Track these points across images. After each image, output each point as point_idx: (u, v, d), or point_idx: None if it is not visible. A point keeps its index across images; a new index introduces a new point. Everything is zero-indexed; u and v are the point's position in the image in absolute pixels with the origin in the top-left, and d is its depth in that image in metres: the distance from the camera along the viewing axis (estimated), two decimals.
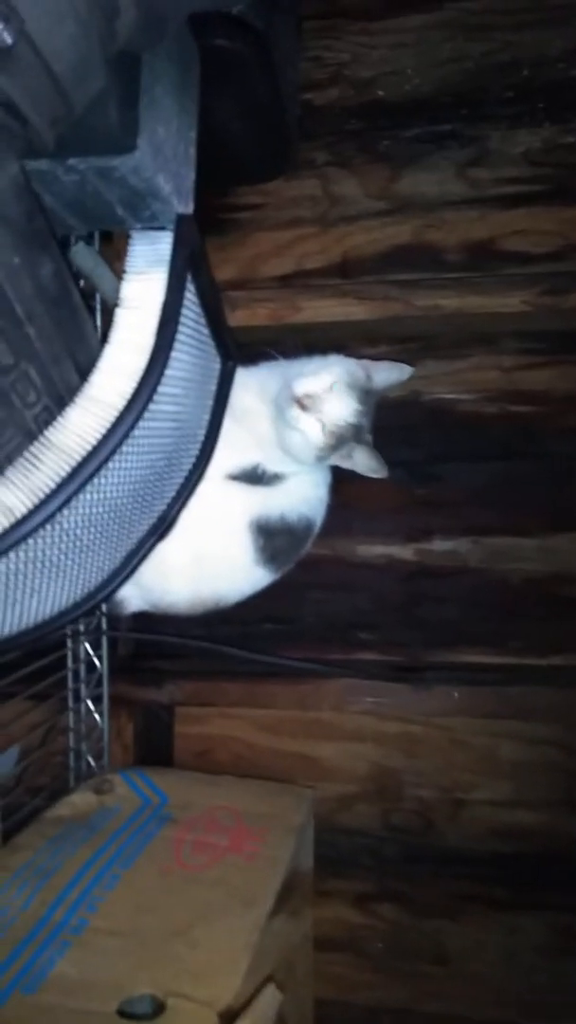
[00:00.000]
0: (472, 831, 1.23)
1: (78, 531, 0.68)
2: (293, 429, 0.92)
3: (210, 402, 0.87)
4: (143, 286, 0.68)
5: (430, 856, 1.24)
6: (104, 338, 0.68)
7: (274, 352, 0.99)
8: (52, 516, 0.62)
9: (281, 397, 0.94)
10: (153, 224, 0.70)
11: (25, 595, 0.71)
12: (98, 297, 1.08)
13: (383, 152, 1.18)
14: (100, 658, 1.26)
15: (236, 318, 1.14)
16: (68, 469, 0.62)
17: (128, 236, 0.71)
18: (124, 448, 0.65)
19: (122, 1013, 0.76)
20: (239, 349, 0.91)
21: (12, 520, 0.60)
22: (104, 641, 1.26)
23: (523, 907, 1.21)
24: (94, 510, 0.68)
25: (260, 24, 0.78)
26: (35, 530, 0.61)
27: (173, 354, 0.69)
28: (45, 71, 0.43)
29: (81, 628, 1.23)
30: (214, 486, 0.94)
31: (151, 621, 1.12)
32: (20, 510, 0.61)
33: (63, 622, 0.79)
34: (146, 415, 0.66)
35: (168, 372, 0.68)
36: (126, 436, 0.64)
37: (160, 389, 0.67)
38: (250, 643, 1.25)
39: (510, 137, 1.15)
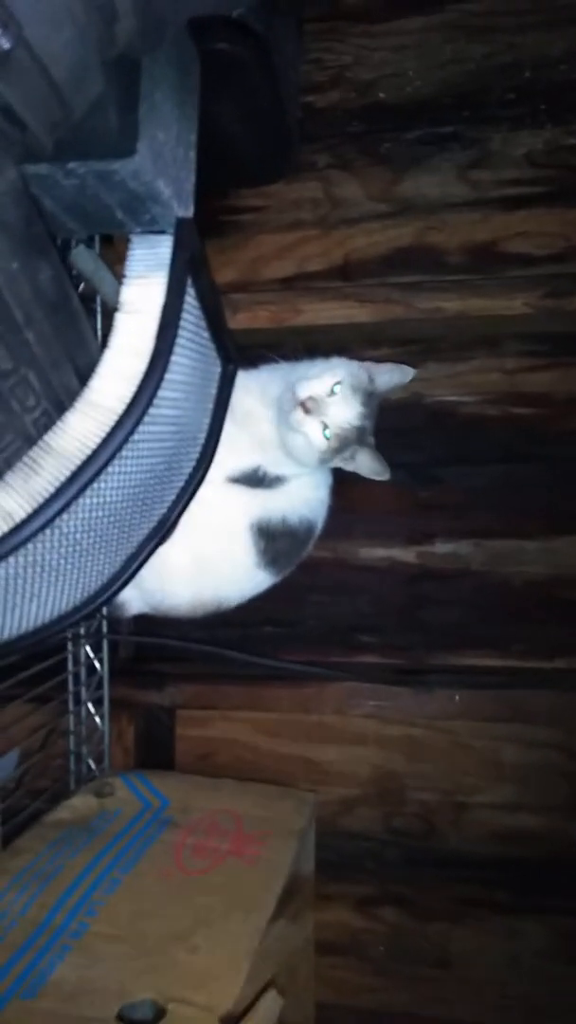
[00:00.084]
0: (474, 835, 1.22)
1: (78, 535, 0.68)
2: (296, 432, 0.92)
3: (211, 405, 0.86)
4: (143, 290, 0.68)
5: (432, 860, 1.24)
6: (104, 341, 0.68)
7: (274, 355, 0.99)
8: (51, 521, 0.61)
9: (284, 400, 0.94)
10: (153, 228, 0.70)
11: (25, 599, 0.71)
12: (98, 300, 1.08)
13: (384, 154, 1.18)
14: (101, 661, 1.26)
15: (237, 320, 1.14)
16: (67, 474, 0.62)
17: (128, 240, 0.71)
18: (124, 452, 0.65)
19: (122, 1018, 0.76)
20: (240, 352, 0.90)
21: (11, 525, 0.60)
22: (105, 644, 1.26)
23: (525, 911, 1.20)
24: (94, 514, 0.68)
25: (260, 28, 0.78)
26: (34, 535, 0.61)
27: (173, 358, 0.68)
28: (43, 76, 0.43)
29: (82, 631, 1.23)
30: (215, 489, 0.94)
31: (152, 624, 1.12)
32: (19, 515, 0.61)
33: (63, 626, 0.79)
34: (146, 419, 0.66)
35: (168, 376, 0.67)
36: (126, 440, 0.64)
37: (160, 393, 0.67)
38: (251, 646, 1.25)
39: (512, 139, 1.14)
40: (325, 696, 1.25)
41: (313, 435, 0.92)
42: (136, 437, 0.65)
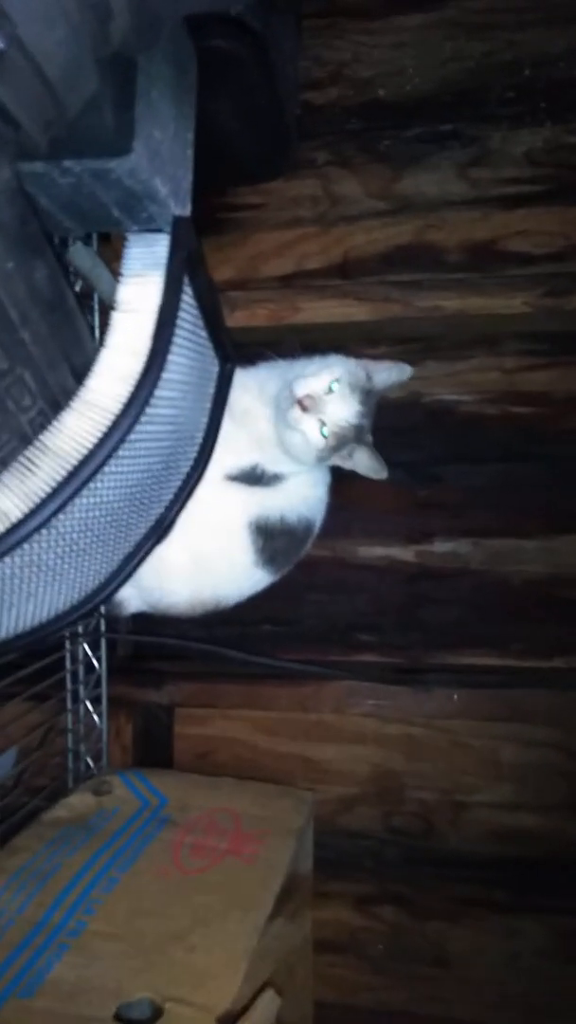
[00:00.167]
0: (473, 834, 1.22)
1: (74, 535, 0.68)
2: (294, 430, 0.92)
3: (208, 405, 0.86)
4: (139, 289, 0.67)
5: (431, 859, 1.23)
6: (102, 339, 0.68)
7: (272, 353, 0.99)
8: (48, 521, 0.61)
9: (281, 398, 0.93)
10: (150, 226, 0.70)
11: (21, 599, 0.71)
12: (96, 297, 1.08)
13: (384, 152, 1.18)
14: (99, 659, 1.26)
15: (235, 319, 1.14)
16: (64, 473, 0.62)
17: (124, 238, 0.71)
18: (120, 452, 0.65)
19: (119, 1018, 0.76)
20: (238, 350, 0.90)
21: (7, 525, 0.60)
22: (103, 642, 1.26)
23: (524, 910, 1.20)
24: (90, 514, 0.68)
25: (258, 25, 0.78)
26: (31, 535, 0.61)
27: (170, 357, 0.68)
28: (37, 75, 0.43)
29: (80, 630, 1.23)
30: (213, 487, 0.94)
31: (151, 622, 1.12)
32: (15, 515, 0.60)
33: (61, 625, 0.79)
34: (143, 419, 0.66)
35: (165, 376, 0.67)
36: (122, 440, 0.64)
37: (157, 393, 0.67)
38: (250, 644, 1.25)
39: (512, 137, 1.14)
40: (324, 695, 1.25)
41: (311, 433, 0.91)
42: (133, 437, 0.65)
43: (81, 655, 1.25)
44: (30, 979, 0.79)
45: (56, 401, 0.62)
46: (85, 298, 1.09)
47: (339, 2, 1.18)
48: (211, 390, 0.86)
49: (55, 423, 0.63)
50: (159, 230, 0.70)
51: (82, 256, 0.97)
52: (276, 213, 1.21)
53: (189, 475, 0.86)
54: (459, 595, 1.22)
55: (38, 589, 0.71)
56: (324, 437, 0.92)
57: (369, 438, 0.95)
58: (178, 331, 0.70)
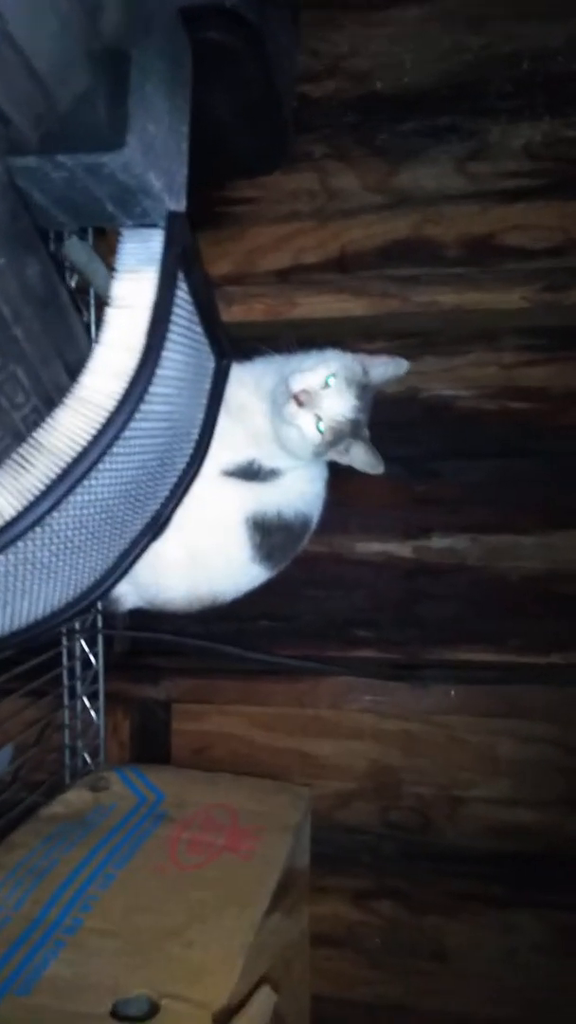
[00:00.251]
0: (470, 829, 1.22)
1: (69, 532, 0.68)
2: (290, 425, 0.92)
3: (204, 401, 0.86)
4: (134, 285, 0.67)
5: (428, 853, 1.24)
6: (98, 333, 0.67)
7: (267, 349, 0.99)
8: (42, 518, 0.61)
9: (277, 393, 0.93)
10: (144, 221, 0.69)
11: (16, 596, 0.70)
12: (92, 292, 1.07)
13: (381, 145, 1.17)
14: (96, 655, 1.25)
15: (232, 313, 1.13)
16: (58, 471, 0.61)
17: (119, 233, 0.70)
18: (115, 449, 0.64)
19: (116, 1015, 0.76)
20: (235, 345, 0.90)
21: (1, 522, 0.60)
22: (100, 638, 1.26)
23: (521, 905, 1.21)
24: (85, 511, 0.67)
25: (254, 17, 0.77)
26: (24, 532, 0.61)
27: (165, 354, 0.68)
28: (26, 70, 0.42)
29: (77, 626, 1.22)
30: (210, 483, 0.93)
31: (148, 618, 1.12)
32: (9, 512, 0.60)
33: (56, 622, 0.79)
34: (137, 415, 0.65)
35: (159, 372, 0.67)
36: (116, 437, 0.63)
37: (151, 389, 0.66)
38: (247, 640, 1.25)
39: (510, 131, 1.13)
40: (320, 690, 1.25)
41: (306, 428, 0.91)
42: (127, 433, 0.65)
43: (78, 651, 1.25)
44: (27, 976, 0.79)
45: (50, 398, 0.62)
46: (81, 293, 1.08)
47: None
48: (207, 386, 0.86)
49: (49, 420, 0.62)
50: (154, 225, 0.69)
51: (77, 251, 0.97)
52: (273, 207, 1.20)
53: (185, 471, 0.86)
54: (456, 591, 1.22)
55: (33, 586, 0.71)
56: (320, 432, 0.91)
57: (366, 433, 0.94)
58: (173, 327, 0.69)
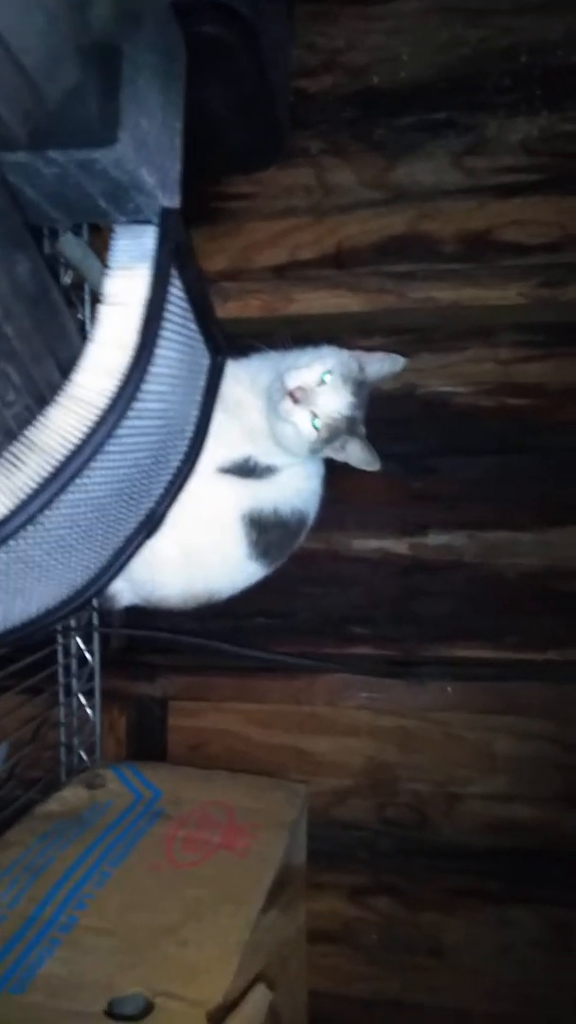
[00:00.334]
0: (467, 825, 1.22)
1: (62, 531, 0.67)
2: (285, 422, 0.92)
3: (199, 398, 0.85)
4: (126, 282, 0.66)
5: (425, 850, 1.24)
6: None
7: (263, 345, 0.98)
8: (34, 517, 0.61)
9: (273, 389, 0.93)
10: (138, 217, 0.69)
11: (9, 595, 0.70)
12: (87, 288, 1.07)
13: (378, 140, 1.16)
14: (92, 652, 1.25)
15: (228, 310, 1.13)
16: (50, 469, 0.61)
17: (111, 230, 0.70)
18: (107, 447, 0.64)
19: (111, 1013, 0.76)
20: (231, 341, 0.89)
21: None
22: (96, 636, 1.25)
23: (517, 901, 1.21)
24: (78, 510, 0.67)
25: (248, 11, 0.77)
26: (16, 531, 0.60)
27: (158, 351, 0.67)
28: (14, 66, 0.42)
29: (72, 623, 1.22)
30: (206, 480, 0.93)
31: (144, 615, 1.12)
32: (1, 511, 0.60)
33: (50, 620, 0.79)
34: (130, 413, 0.65)
35: (153, 369, 0.67)
36: (109, 435, 0.63)
37: (145, 387, 0.66)
38: (243, 637, 1.25)
39: (507, 125, 1.12)
40: (317, 687, 1.25)
41: (302, 425, 0.91)
42: (120, 431, 0.65)
43: (74, 649, 1.24)
44: (22, 974, 0.79)
45: (42, 396, 0.61)
46: (76, 289, 1.08)
47: None
48: (202, 383, 0.85)
49: (41, 418, 0.62)
50: (147, 221, 0.69)
51: (72, 247, 0.96)
52: (269, 202, 1.19)
53: (179, 469, 0.85)
54: (453, 588, 1.22)
55: (26, 585, 0.71)
56: (316, 429, 0.91)
57: (362, 430, 0.94)
58: (166, 324, 0.69)
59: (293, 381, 0.90)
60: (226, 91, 0.88)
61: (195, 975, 0.80)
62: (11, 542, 0.61)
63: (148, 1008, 0.76)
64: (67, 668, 1.24)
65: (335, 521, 1.19)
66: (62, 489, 0.61)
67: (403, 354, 0.96)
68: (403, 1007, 1.25)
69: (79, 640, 1.24)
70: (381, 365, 0.96)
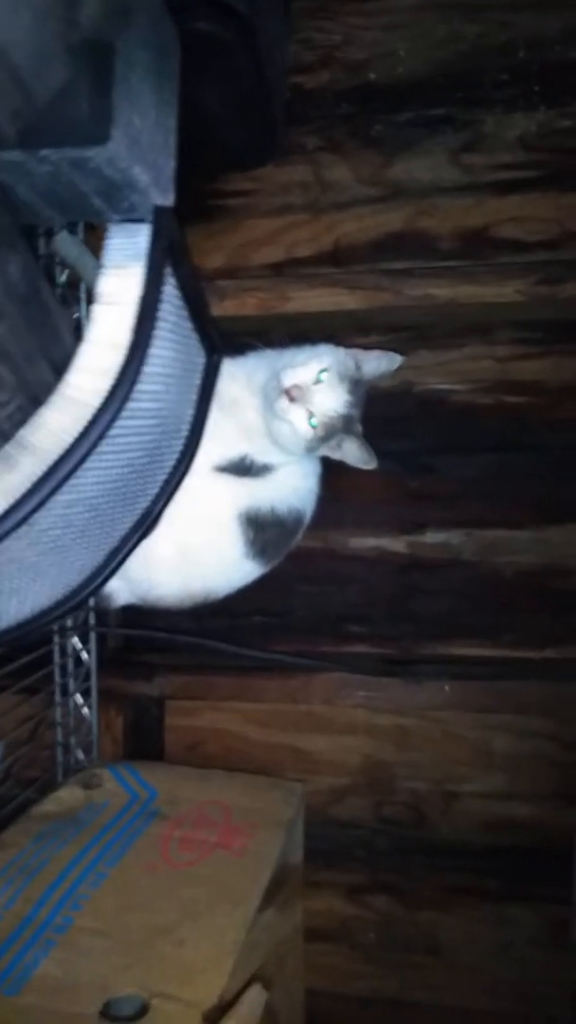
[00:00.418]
0: (464, 823, 1.22)
1: (56, 531, 0.67)
2: (281, 420, 0.91)
3: (194, 397, 0.85)
4: (120, 281, 0.66)
5: (422, 848, 1.24)
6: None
7: (259, 344, 0.98)
8: (27, 518, 0.60)
9: (269, 388, 0.92)
10: (132, 215, 0.68)
11: (4, 595, 0.70)
12: (82, 287, 1.06)
13: (375, 137, 1.16)
14: (88, 652, 1.25)
15: (225, 307, 1.12)
16: (43, 470, 0.61)
17: (105, 228, 0.69)
18: (101, 447, 0.63)
19: (106, 1014, 0.75)
20: (227, 339, 0.89)
21: None
22: (92, 635, 1.25)
23: (515, 899, 1.21)
24: (72, 510, 0.67)
25: (243, 7, 0.76)
26: (10, 532, 0.60)
27: (153, 350, 0.67)
28: (1, 64, 0.41)
29: (68, 623, 1.22)
30: (202, 478, 0.93)
31: (141, 614, 1.11)
32: None
33: (45, 621, 0.78)
34: (124, 413, 0.64)
35: (147, 369, 0.66)
36: (103, 435, 0.62)
37: (139, 386, 0.65)
38: (240, 636, 1.25)
39: (505, 121, 1.12)
40: (314, 686, 1.24)
41: (298, 423, 0.90)
42: (114, 431, 0.64)
43: (70, 648, 1.24)
44: (17, 975, 0.79)
45: (35, 396, 0.61)
46: (72, 288, 1.07)
47: None
48: (197, 382, 0.85)
49: (34, 419, 0.61)
50: (141, 220, 0.68)
51: (68, 245, 0.96)
52: (266, 200, 1.19)
53: (175, 468, 0.85)
54: (451, 586, 1.22)
55: (20, 586, 0.70)
56: (312, 427, 0.91)
57: (359, 428, 0.94)
58: (161, 323, 0.68)
59: (289, 379, 0.89)
60: (222, 88, 0.87)
61: (191, 975, 0.80)
62: (5, 543, 0.61)
63: (144, 1009, 0.76)
64: (64, 668, 1.24)
65: (332, 519, 1.18)
66: (56, 490, 0.61)
67: (400, 352, 0.95)
68: (401, 1005, 1.25)
69: (76, 640, 1.24)
70: (378, 363, 0.95)
